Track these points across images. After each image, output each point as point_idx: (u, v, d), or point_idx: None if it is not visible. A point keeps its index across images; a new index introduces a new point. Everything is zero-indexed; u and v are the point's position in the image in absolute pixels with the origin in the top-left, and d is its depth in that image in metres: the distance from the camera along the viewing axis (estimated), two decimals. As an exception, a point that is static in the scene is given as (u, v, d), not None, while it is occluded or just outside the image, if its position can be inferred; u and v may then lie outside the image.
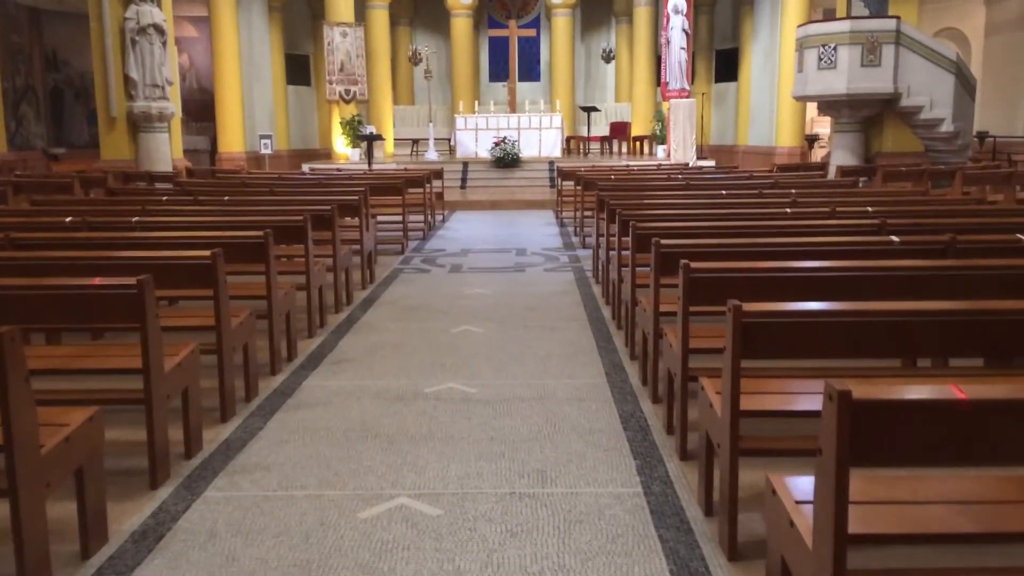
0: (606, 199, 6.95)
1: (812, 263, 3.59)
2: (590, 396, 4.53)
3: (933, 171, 11.04)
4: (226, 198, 7.57)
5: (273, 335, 4.94)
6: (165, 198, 7.53)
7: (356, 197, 7.65)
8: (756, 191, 7.91)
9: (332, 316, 6.54)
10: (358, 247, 7.74)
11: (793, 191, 7.69)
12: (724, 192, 7.82)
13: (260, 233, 4.81)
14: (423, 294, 7.47)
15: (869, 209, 5.83)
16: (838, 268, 3.49)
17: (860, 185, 10.13)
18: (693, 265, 3.46)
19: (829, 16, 17.40)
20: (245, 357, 4.50)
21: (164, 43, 13.12)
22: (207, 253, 4.02)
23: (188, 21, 22.67)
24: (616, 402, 4.42)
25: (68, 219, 5.66)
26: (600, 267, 7.58)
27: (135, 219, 5.71)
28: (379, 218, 10.95)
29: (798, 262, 3.63)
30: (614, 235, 6.24)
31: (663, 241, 4.24)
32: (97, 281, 3.29)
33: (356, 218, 7.73)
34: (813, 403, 2.98)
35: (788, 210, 5.99)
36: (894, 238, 4.21)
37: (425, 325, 6.26)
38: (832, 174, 11.90)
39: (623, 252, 5.82)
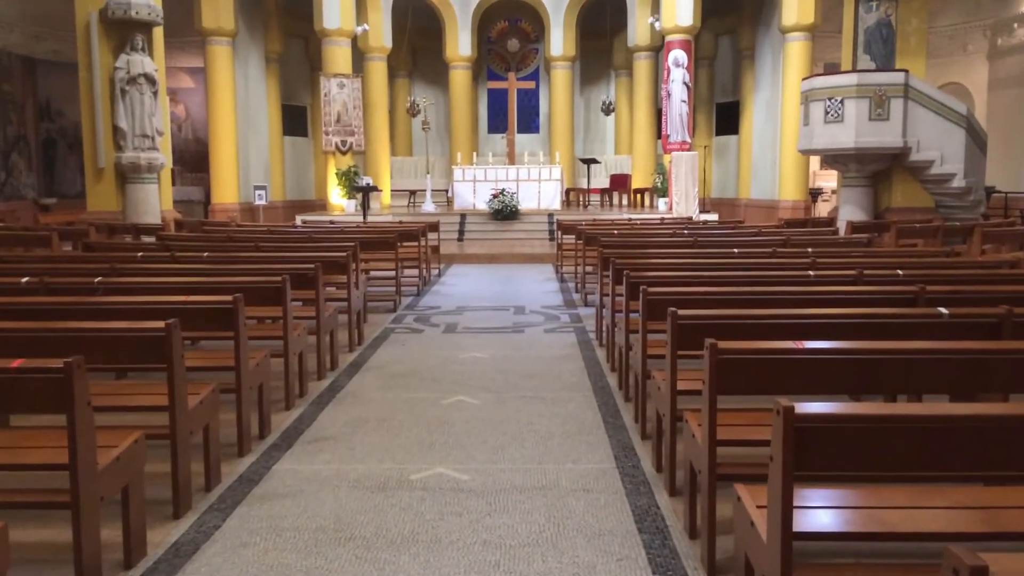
0: (611, 258, 6.48)
1: (861, 344, 3.08)
2: (598, 486, 3.98)
3: (947, 228, 10.64)
4: (205, 254, 7.10)
5: (241, 412, 4.40)
6: (140, 254, 7.05)
7: (344, 253, 7.17)
8: (770, 249, 7.45)
9: (314, 383, 6.02)
10: (347, 305, 7.25)
11: (810, 250, 7.23)
12: (736, 250, 7.35)
13: (229, 298, 4.31)
14: (415, 358, 6.95)
15: (900, 273, 5.36)
16: (893, 351, 2.97)
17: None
18: (721, 345, 2.96)
19: (831, 70, 17.22)
20: (205, 439, 3.97)
21: (155, 93, 12.79)
22: (161, 324, 3.51)
23: (185, 72, 22.54)
24: (628, 494, 3.88)
25: (24, 280, 5.17)
26: (604, 329, 7.08)
27: (98, 280, 5.22)
28: (372, 273, 10.51)
29: (844, 342, 3.12)
30: (620, 295, 5.75)
31: (680, 312, 3.74)
32: (18, 363, 2.78)
33: (344, 276, 7.25)
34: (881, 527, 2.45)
35: (811, 273, 5.51)
36: (943, 310, 3.72)
37: (415, 395, 5.73)
38: (842, 230, 11.47)
39: (631, 315, 5.33)
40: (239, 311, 4.31)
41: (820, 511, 2.48)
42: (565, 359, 6.85)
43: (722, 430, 3.13)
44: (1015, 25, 18.25)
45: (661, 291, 4.64)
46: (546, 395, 5.68)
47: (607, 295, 6.68)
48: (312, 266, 6.07)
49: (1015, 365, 3.02)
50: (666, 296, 4.53)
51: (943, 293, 4.55)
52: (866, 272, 5.31)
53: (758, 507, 2.47)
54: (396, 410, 5.34)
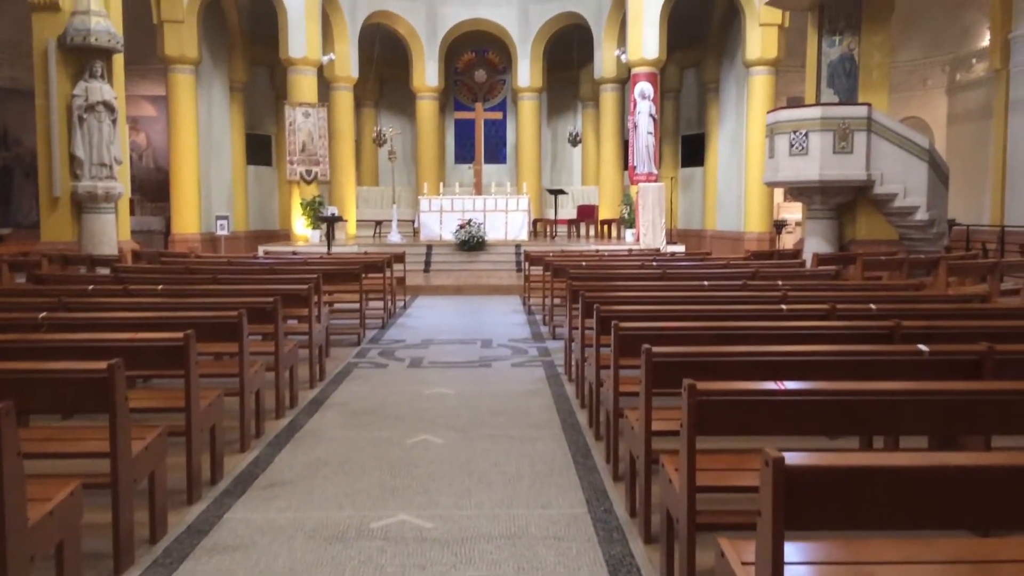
0: (580, 290, 6.34)
1: (844, 385, 2.95)
2: (569, 533, 3.80)
3: (913, 260, 10.69)
4: (159, 287, 6.83)
5: (191, 456, 4.15)
6: (91, 287, 6.76)
7: (305, 286, 6.95)
8: (740, 282, 7.37)
9: (272, 422, 5.76)
10: (308, 339, 7.01)
11: (780, 283, 7.17)
12: (706, 283, 7.26)
13: (179, 335, 4.08)
14: (378, 394, 6.72)
15: (872, 307, 5.28)
16: (877, 392, 2.85)
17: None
18: (700, 387, 2.81)
19: (794, 103, 17.42)
20: (151, 487, 3.71)
21: (114, 121, 12.49)
22: (103, 365, 3.28)
23: (146, 100, 22.20)
24: (601, 542, 3.69)
25: (-37, 314, 4.89)
26: (574, 364, 6.92)
27: (42, 315, 4.94)
28: (336, 305, 10.27)
29: (826, 383, 2.99)
30: (590, 329, 5.60)
31: (655, 349, 3.59)
32: (-63, 411, 2.54)
33: (305, 309, 7.02)
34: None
35: (783, 307, 5.42)
36: (923, 347, 3.62)
37: (378, 434, 5.50)
38: (809, 262, 11.49)
39: (602, 349, 5.18)
40: (190, 349, 4.08)
41: (808, 568, 2.32)
42: (533, 395, 6.67)
43: (701, 475, 2.98)
44: (973, 61, 18.67)
45: (633, 327, 4.50)
46: (514, 433, 5.49)
47: (576, 328, 6.54)
48: (271, 299, 5.84)
49: (999, 407, 2.91)
50: (639, 332, 4.39)
51: (918, 328, 4.47)
52: (839, 306, 5.23)
53: (743, 564, 2.30)
54: (358, 451, 5.11)
